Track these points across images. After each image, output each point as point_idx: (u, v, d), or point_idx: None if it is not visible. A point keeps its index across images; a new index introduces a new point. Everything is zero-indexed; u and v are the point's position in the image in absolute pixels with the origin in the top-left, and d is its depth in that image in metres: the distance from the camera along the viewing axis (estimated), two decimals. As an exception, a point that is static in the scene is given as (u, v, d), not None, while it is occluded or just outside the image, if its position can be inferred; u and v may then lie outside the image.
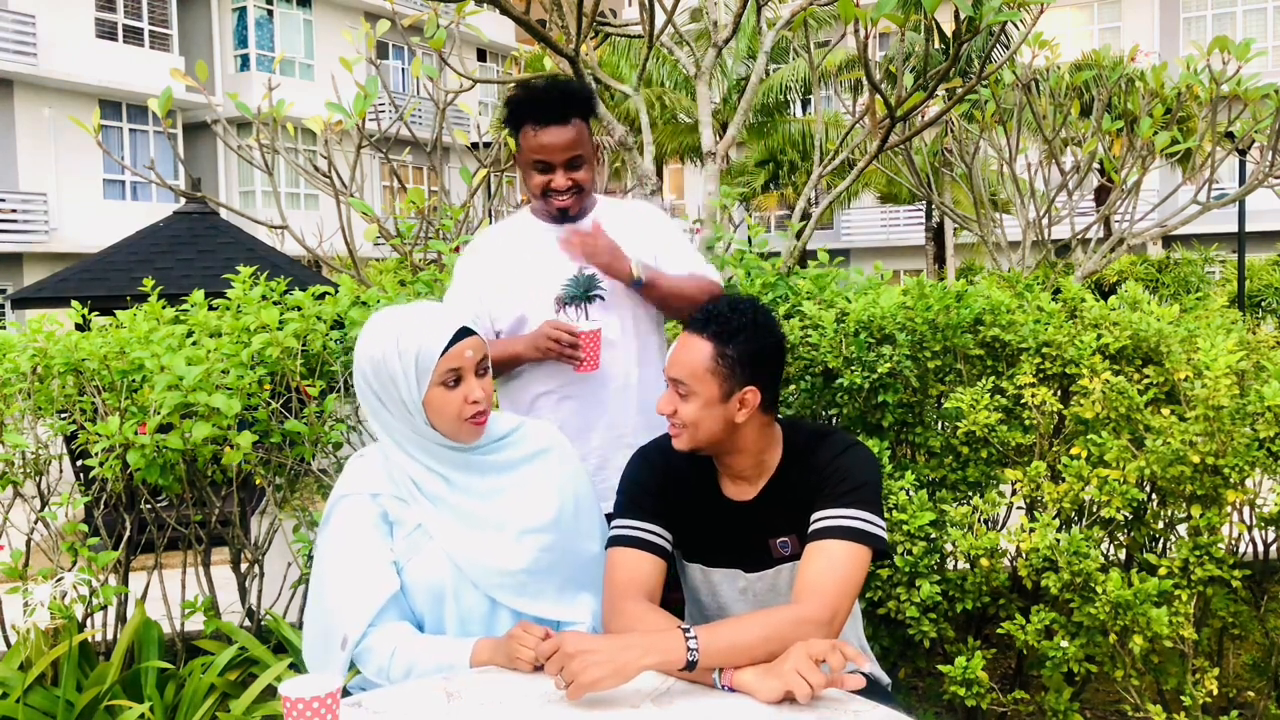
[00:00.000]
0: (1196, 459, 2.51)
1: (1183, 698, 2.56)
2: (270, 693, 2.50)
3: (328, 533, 1.89)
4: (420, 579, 1.85)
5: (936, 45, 16.64)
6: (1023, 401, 2.78)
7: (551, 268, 2.38)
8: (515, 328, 2.41)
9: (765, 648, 1.63)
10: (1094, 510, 2.69)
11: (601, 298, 2.38)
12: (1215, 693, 2.57)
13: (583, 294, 2.37)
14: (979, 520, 2.75)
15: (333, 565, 1.86)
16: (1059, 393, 2.85)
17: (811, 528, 1.81)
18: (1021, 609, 2.70)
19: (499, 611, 1.89)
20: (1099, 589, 2.45)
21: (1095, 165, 6.53)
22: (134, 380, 2.94)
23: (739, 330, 1.85)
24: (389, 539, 1.87)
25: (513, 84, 5.47)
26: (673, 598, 2.00)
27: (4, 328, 3.36)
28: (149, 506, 3.11)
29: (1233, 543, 2.77)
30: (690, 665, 1.61)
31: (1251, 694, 2.95)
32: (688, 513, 1.94)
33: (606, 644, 1.61)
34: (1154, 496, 2.81)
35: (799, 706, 1.57)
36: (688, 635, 1.62)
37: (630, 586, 1.83)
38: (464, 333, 1.85)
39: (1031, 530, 2.56)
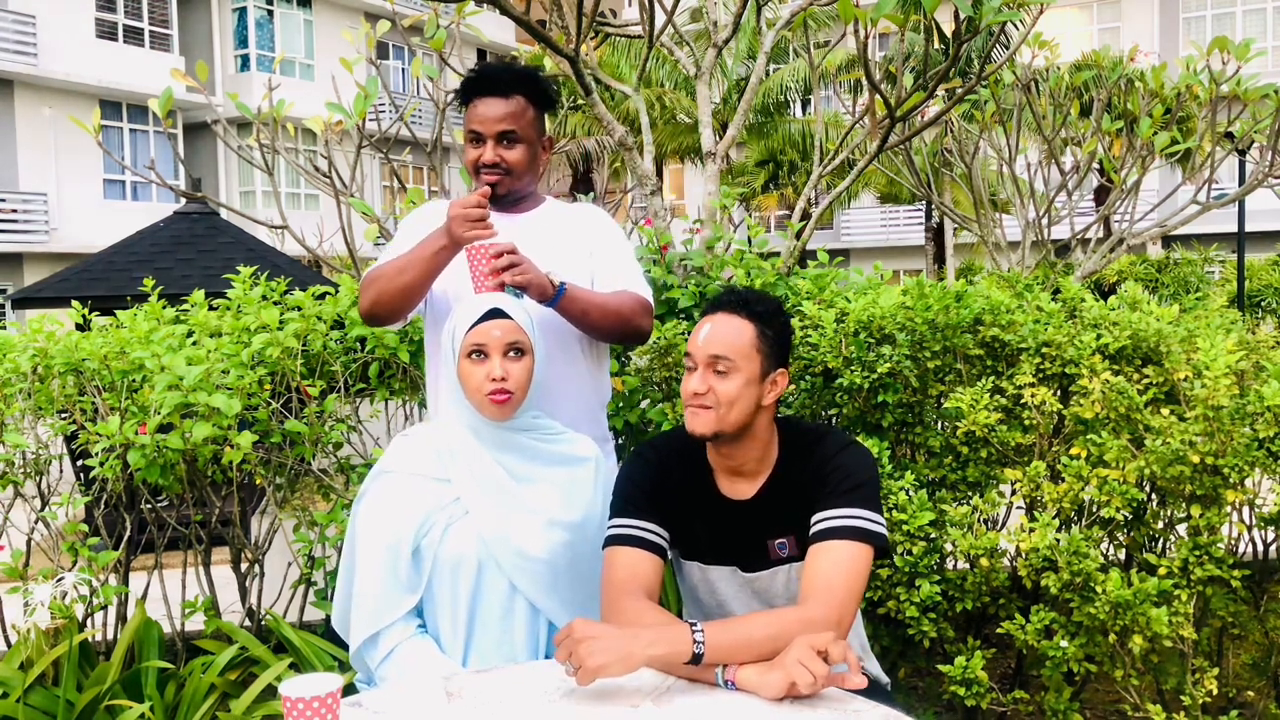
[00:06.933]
0: (1196, 459, 2.51)
1: (1182, 697, 2.56)
2: (270, 693, 2.50)
3: (362, 507, 1.98)
4: (448, 552, 1.91)
5: (936, 45, 16.64)
6: (1022, 401, 2.78)
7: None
8: (442, 300, 2.30)
9: (771, 645, 1.63)
10: (1094, 510, 2.69)
11: None
12: (1215, 692, 2.57)
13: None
14: (979, 520, 2.75)
15: (362, 549, 1.95)
16: (1059, 393, 2.85)
17: (814, 528, 1.81)
18: (1021, 609, 2.70)
19: (516, 599, 1.95)
20: (1099, 589, 2.44)
21: (1095, 165, 6.52)
22: (134, 380, 2.94)
23: (774, 314, 1.91)
24: (419, 524, 1.93)
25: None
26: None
27: (4, 328, 3.36)
28: (149, 506, 3.11)
29: (1232, 543, 2.78)
30: (696, 659, 1.62)
31: (1251, 694, 2.95)
32: (685, 511, 1.94)
33: (614, 632, 1.62)
34: (1154, 496, 2.81)
35: (798, 705, 1.57)
36: (694, 629, 1.63)
37: (629, 584, 1.83)
38: (494, 314, 1.94)
39: (1031, 530, 2.56)
